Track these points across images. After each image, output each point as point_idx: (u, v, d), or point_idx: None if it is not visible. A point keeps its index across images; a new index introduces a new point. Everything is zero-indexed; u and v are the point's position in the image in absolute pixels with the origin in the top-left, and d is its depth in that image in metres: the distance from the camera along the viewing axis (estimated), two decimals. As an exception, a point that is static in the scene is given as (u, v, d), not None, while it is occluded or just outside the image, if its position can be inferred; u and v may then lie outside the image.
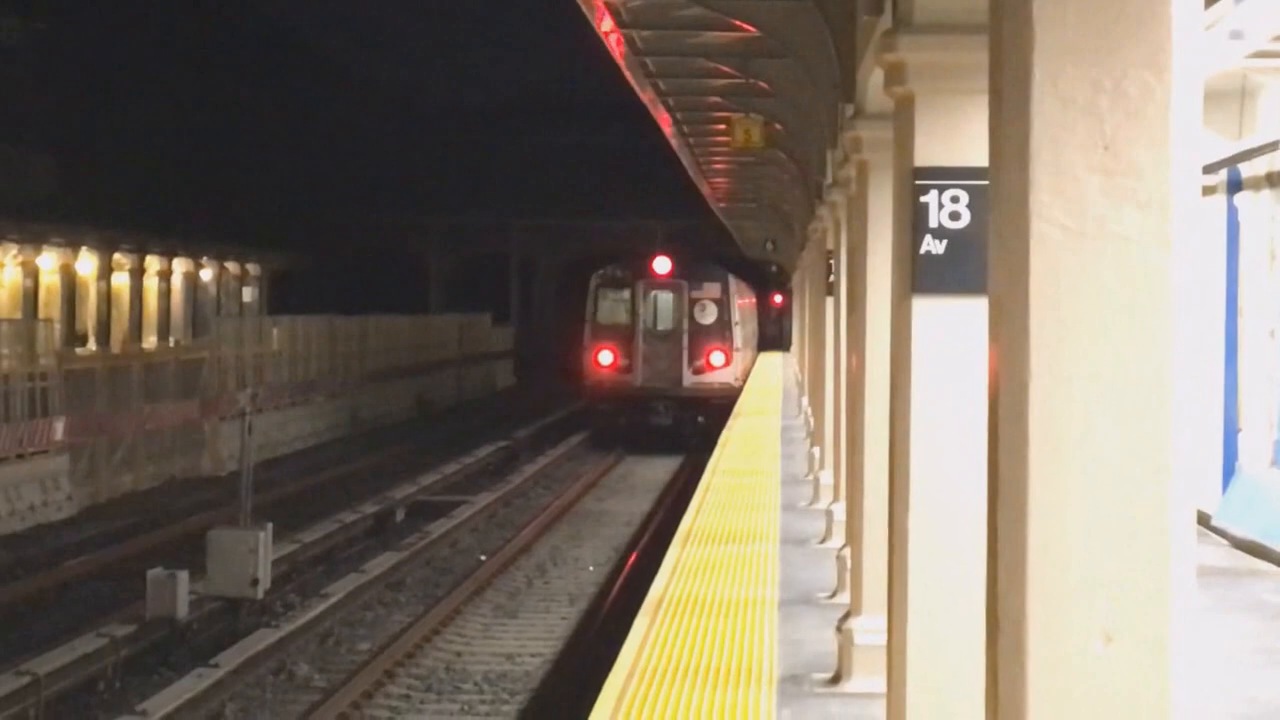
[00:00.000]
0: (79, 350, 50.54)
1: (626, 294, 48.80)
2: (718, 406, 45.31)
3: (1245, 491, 20.18)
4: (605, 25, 21.76)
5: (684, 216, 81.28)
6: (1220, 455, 20.80)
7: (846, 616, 12.92)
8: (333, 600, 23.42)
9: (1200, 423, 4.91)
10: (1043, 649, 4.91)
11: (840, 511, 18.32)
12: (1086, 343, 4.89)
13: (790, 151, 30.84)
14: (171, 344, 58.51)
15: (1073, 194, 4.89)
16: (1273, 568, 18.01)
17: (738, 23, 21.20)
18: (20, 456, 32.42)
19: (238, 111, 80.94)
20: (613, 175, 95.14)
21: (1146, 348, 4.89)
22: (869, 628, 12.28)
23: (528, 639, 22.81)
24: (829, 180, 21.17)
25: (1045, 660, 4.91)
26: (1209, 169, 20.03)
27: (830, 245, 23.00)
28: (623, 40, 23.11)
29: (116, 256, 62.99)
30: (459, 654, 21.83)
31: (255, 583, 22.10)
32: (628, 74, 25.73)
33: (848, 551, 15.08)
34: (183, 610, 21.17)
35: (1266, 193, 20.30)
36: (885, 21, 10.53)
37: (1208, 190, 20.46)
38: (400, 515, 33.55)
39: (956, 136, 9.33)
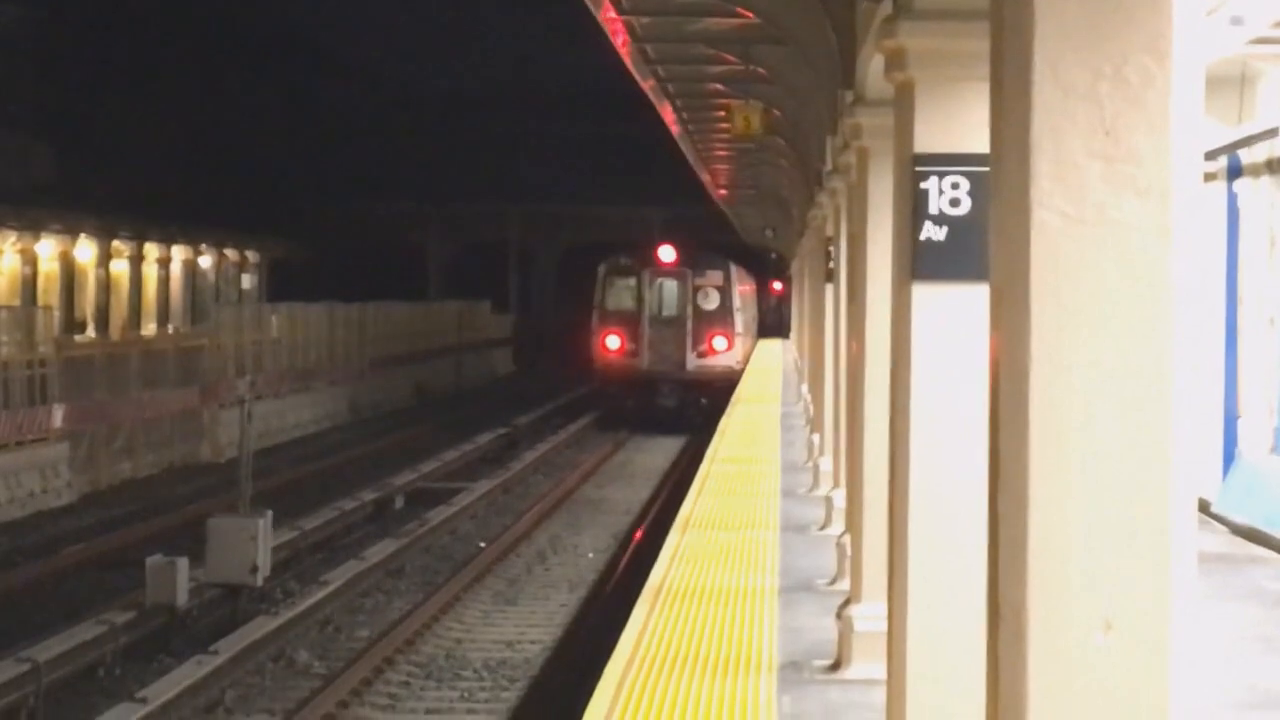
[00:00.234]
0: (78, 337, 50.55)
1: (633, 281, 50.91)
2: (720, 389, 46.97)
3: (1245, 478, 20.19)
4: (605, 12, 21.73)
5: (683, 204, 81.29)
6: (1220, 442, 20.81)
7: (846, 603, 12.92)
8: (332, 587, 23.42)
9: (1200, 410, 4.90)
10: (1043, 636, 4.91)
11: (840, 498, 18.33)
12: (1087, 330, 4.88)
13: (790, 139, 30.82)
14: (170, 331, 58.49)
15: (1073, 181, 4.88)
16: (1272, 554, 18.02)
17: (738, 9, 21.18)
18: (19, 444, 32.41)
19: (237, 99, 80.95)
20: (612, 162, 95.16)
21: (1147, 335, 4.88)
22: (869, 614, 12.28)
23: (527, 626, 22.82)
24: (829, 167, 21.16)
25: (1045, 647, 4.91)
26: (1209, 156, 20.03)
27: (830, 232, 22.99)
28: (623, 27, 23.08)
29: (115, 244, 62.98)
30: (459, 641, 21.84)
31: (255, 570, 22.10)
32: (627, 61, 25.69)
33: (847, 538, 15.08)
34: (182, 597, 21.17)
35: (1266, 179, 20.30)
36: (886, 8, 10.51)
37: (1208, 177, 20.46)
38: (400, 502, 33.55)
39: (957, 123, 9.33)
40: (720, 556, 18.21)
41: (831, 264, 22.18)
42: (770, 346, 67.87)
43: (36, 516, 31.44)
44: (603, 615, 22.58)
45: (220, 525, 22.38)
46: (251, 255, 78.23)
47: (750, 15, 21.23)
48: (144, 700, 17.22)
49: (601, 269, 52.18)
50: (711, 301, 51.22)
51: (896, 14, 9.62)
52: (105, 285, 62.31)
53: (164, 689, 17.69)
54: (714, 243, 63.92)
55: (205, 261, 72.48)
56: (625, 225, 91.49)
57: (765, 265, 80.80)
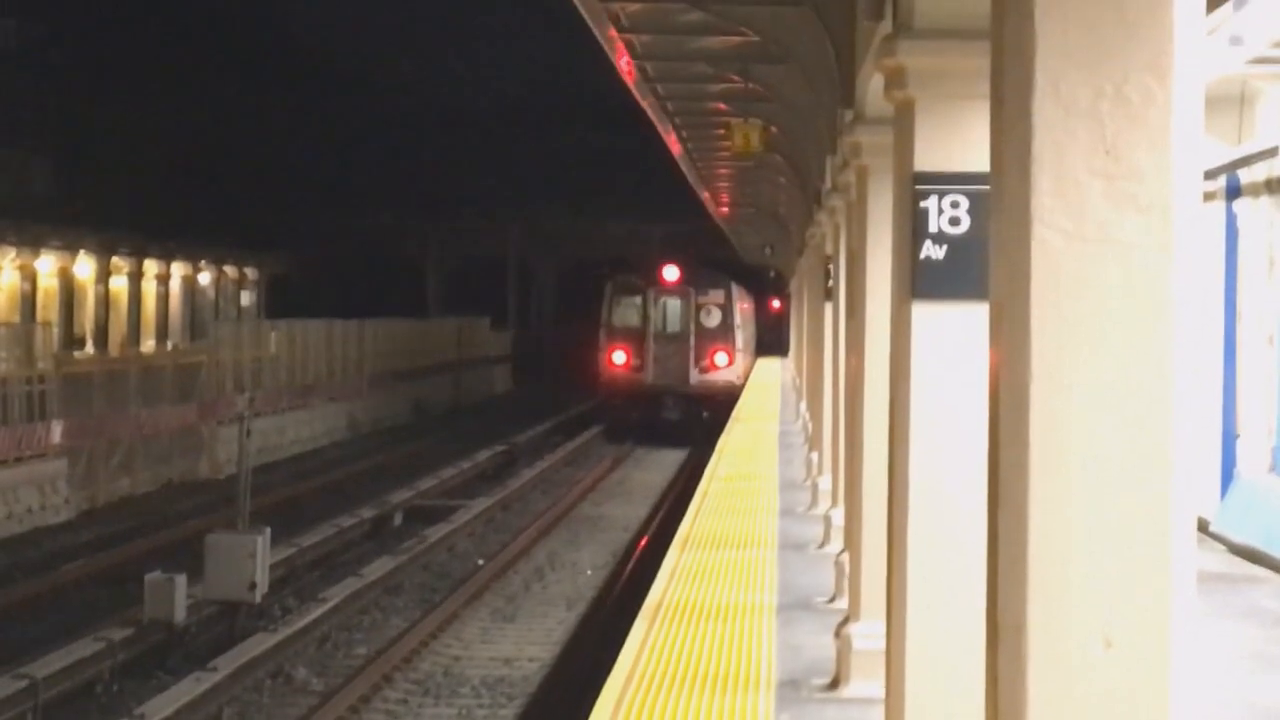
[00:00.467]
0: (77, 354, 50.56)
1: (638, 299, 53.43)
2: (721, 402, 48.80)
3: (1243, 497, 20.18)
4: (607, 32, 21.75)
5: (682, 220, 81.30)
6: (1219, 461, 20.80)
7: (845, 621, 12.91)
8: (330, 604, 23.40)
9: (1199, 429, 4.91)
10: (1043, 654, 4.91)
11: (839, 516, 18.32)
12: (1088, 348, 4.89)
13: (789, 157, 30.84)
14: (169, 348, 58.50)
15: (1074, 199, 4.89)
16: (1270, 574, 18.01)
17: (737, 28, 21.20)
18: (18, 460, 32.40)
19: (236, 115, 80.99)
20: (611, 179, 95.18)
21: (1148, 353, 4.89)
22: (867, 633, 12.27)
23: (525, 643, 22.80)
24: (828, 185, 21.17)
25: (1046, 665, 4.91)
26: (1208, 175, 20.04)
27: (829, 250, 23.00)
28: (625, 47, 23.10)
29: (115, 260, 63.03)
30: (457, 658, 21.82)
31: (253, 586, 22.08)
32: (630, 81, 25.71)
33: (846, 556, 15.07)
34: (180, 614, 21.15)
35: (1265, 199, 20.31)
36: (885, 26, 10.53)
37: (1207, 196, 20.47)
38: (398, 519, 33.54)
39: (957, 142, 9.33)
40: (719, 574, 18.20)
41: (831, 282, 22.17)
42: (769, 364, 67.83)
43: (35, 533, 31.42)
44: (601, 632, 22.56)
45: (219, 542, 22.36)
46: (250, 272, 78.28)
47: (750, 34, 21.24)
48: (141, 717, 17.22)
49: (608, 287, 54.35)
50: (713, 319, 53.41)
51: (896, 32, 9.63)
52: (104, 302, 62.36)
53: (162, 706, 17.67)
54: (715, 260, 65.35)
55: (204, 278, 72.52)
56: (625, 241, 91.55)
57: (764, 283, 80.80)
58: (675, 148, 36.77)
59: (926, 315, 9.52)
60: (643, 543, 31.09)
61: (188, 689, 18.36)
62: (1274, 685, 12.94)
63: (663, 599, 16.60)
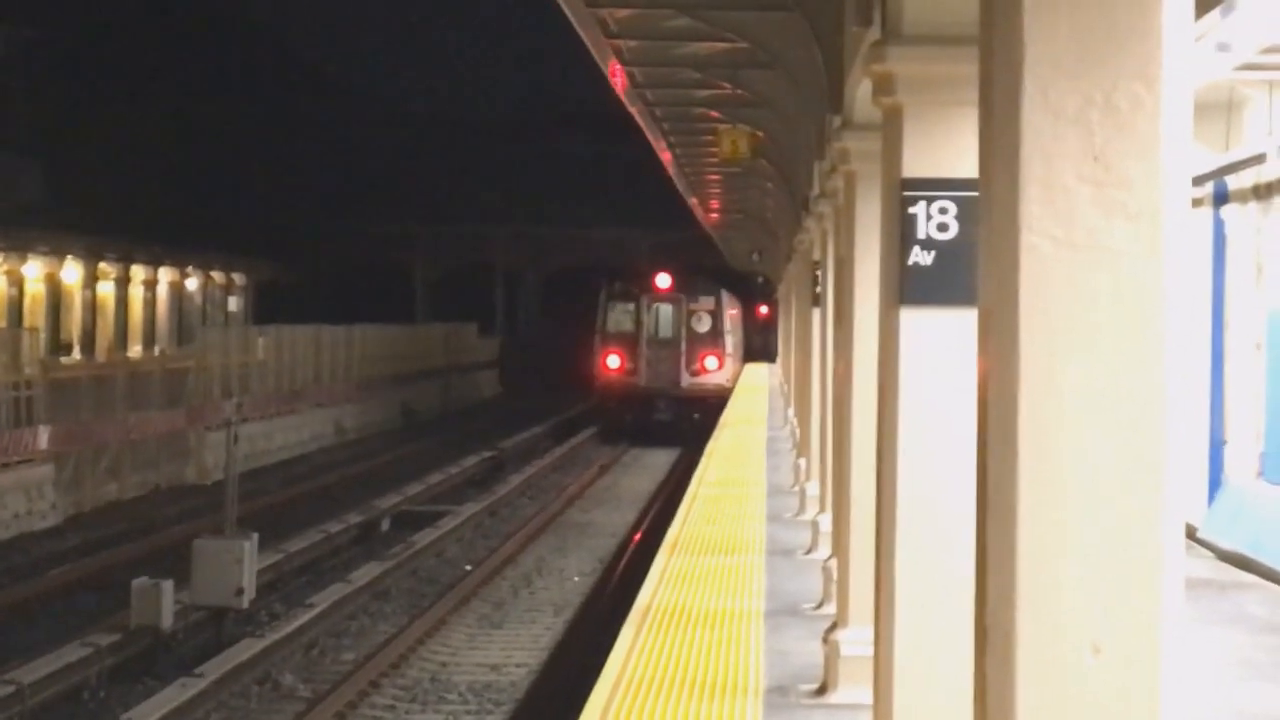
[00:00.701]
0: (64, 359, 50.49)
1: (632, 306, 55.77)
2: (712, 404, 51.27)
3: (1231, 504, 20.20)
4: (595, 38, 21.74)
5: (670, 227, 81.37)
6: (1206, 467, 20.82)
7: (833, 627, 12.91)
8: (318, 610, 23.37)
9: (1187, 435, 4.91)
10: (1032, 660, 4.91)
11: (826, 522, 18.31)
12: (1077, 354, 4.89)
13: (777, 163, 30.85)
14: (157, 353, 58.44)
15: (1063, 205, 4.89)
16: (1258, 580, 18.02)
17: (726, 33, 21.20)
18: (5, 465, 32.35)
19: (224, 121, 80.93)
20: (598, 185, 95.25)
21: (1137, 359, 4.89)
22: (855, 639, 12.27)
23: (513, 649, 22.79)
24: (816, 191, 21.17)
25: (1035, 672, 4.91)
26: (1196, 181, 20.05)
27: (817, 256, 23.00)
28: (611, 52, 23.10)
29: (102, 265, 62.95)
30: (444, 664, 21.81)
31: (240, 592, 22.05)
32: (619, 89, 25.71)
33: (834, 562, 15.07)
34: (167, 619, 21.12)
35: (1253, 205, 20.33)
36: (874, 33, 10.53)
37: (1194, 203, 20.49)
38: (385, 525, 33.51)
39: (945, 148, 9.33)
40: (706, 580, 18.19)
41: (819, 288, 22.18)
42: (757, 371, 67.85)
43: (21, 538, 31.37)
44: (588, 639, 22.55)
45: (206, 547, 22.33)
46: (238, 277, 78.20)
47: (738, 40, 21.25)
48: (129, 722, 17.18)
49: (603, 294, 56.56)
50: (704, 325, 55.87)
51: (885, 39, 9.63)
52: (92, 307, 62.26)
53: (148, 711, 17.64)
54: (704, 267, 67.78)
55: (192, 283, 72.44)
56: (612, 248, 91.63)
57: (752, 289, 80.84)
58: (664, 154, 36.78)
59: (914, 321, 9.52)
60: (637, 537, 31.10)
61: (174, 695, 18.33)
62: (1262, 692, 12.95)
63: (650, 605, 16.59)
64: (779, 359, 60.13)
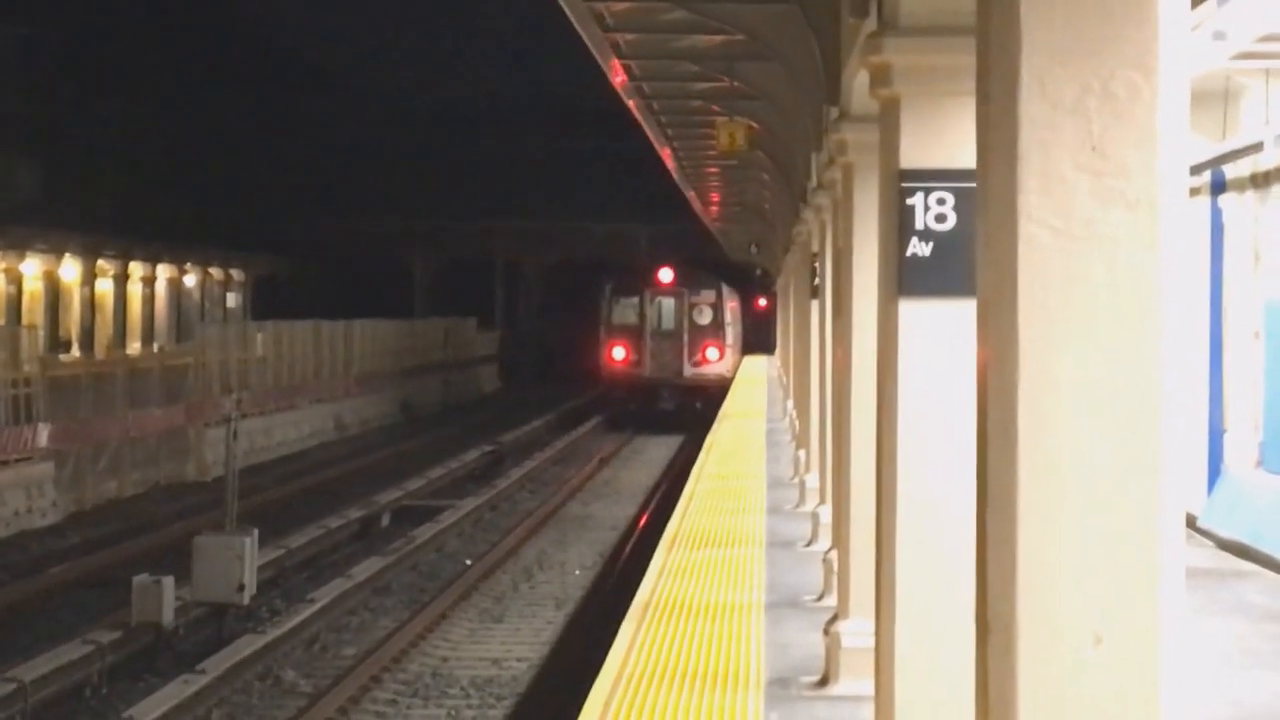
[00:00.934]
0: (63, 357, 50.46)
1: (636, 300, 58.52)
2: (713, 394, 53.03)
3: (1230, 493, 20.21)
4: (592, 31, 21.72)
5: (668, 220, 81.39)
6: (1205, 457, 20.82)
7: (833, 619, 12.91)
8: (319, 605, 23.37)
9: (1186, 424, 4.89)
10: (1033, 650, 4.91)
11: (826, 514, 18.32)
12: (1075, 344, 4.89)
13: (775, 155, 30.83)
14: (156, 350, 58.42)
15: (1060, 195, 4.88)
16: (1258, 569, 18.04)
17: (723, 26, 21.18)
18: (4, 463, 32.33)
19: (222, 117, 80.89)
20: (597, 179, 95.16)
21: (1135, 348, 4.88)
22: (856, 630, 12.27)
23: (514, 643, 22.79)
24: (814, 183, 21.17)
25: (1035, 662, 4.91)
26: (1193, 171, 20.05)
27: (815, 248, 23.00)
28: (609, 46, 23.08)
29: (100, 263, 62.93)
30: (445, 659, 21.81)
31: (241, 588, 22.05)
32: (614, 80, 25.69)
33: (834, 554, 15.07)
34: (168, 616, 21.12)
35: (1250, 194, 20.33)
36: (870, 24, 10.52)
37: (1192, 192, 20.48)
38: (386, 520, 33.51)
39: (942, 138, 9.33)
40: (707, 573, 18.20)
41: (817, 280, 22.17)
42: (755, 363, 67.91)
43: (21, 536, 31.36)
44: (589, 632, 22.56)
45: (206, 544, 22.33)
46: (236, 273, 78.19)
47: (735, 32, 21.23)
48: None
49: (608, 289, 59.59)
50: (705, 317, 58.53)
51: (881, 30, 9.63)
52: (90, 304, 62.25)
53: (150, 708, 17.65)
54: (703, 260, 68.88)
55: (190, 280, 72.42)
56: (611, 241, 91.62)
57: (751, 282, 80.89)
58: (664, 152, 36.77)
59: (913, 312, 9.52)
60: (644, 519, 31.14)
61: (176, 691, 18.34)
62: (1262, 680, 12.96)
63: (651, 598, 16.60)
64: (778, 351, 60.37)
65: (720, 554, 19.55)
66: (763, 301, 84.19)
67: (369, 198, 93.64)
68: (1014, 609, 4.92)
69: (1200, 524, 19.91)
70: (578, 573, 28.25)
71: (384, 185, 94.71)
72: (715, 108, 28.10)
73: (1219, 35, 16.42)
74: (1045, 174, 4.88)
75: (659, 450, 49.99)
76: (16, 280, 57.41)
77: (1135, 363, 4.89)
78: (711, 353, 58.22)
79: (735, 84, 24.81)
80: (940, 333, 9.42)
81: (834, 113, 14.90)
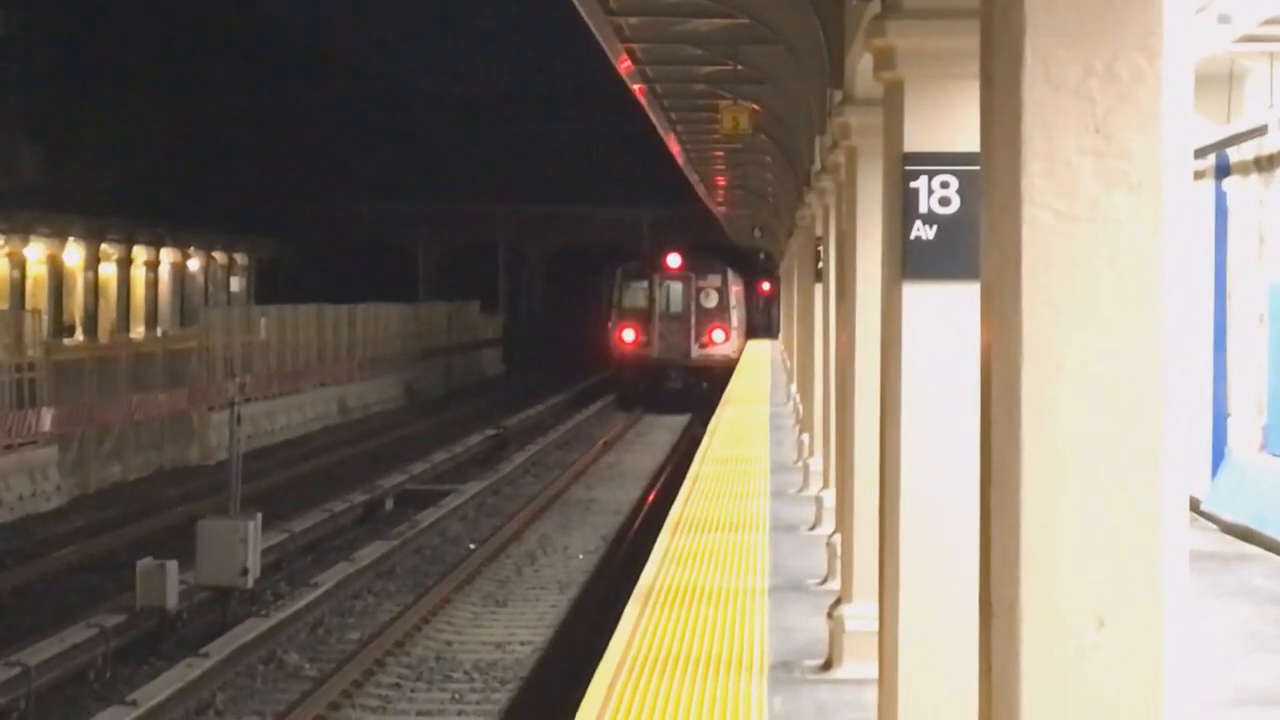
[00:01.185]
0: (66, 341, 50.49)
1: (645, 284, 60.85)
2: (719, 374, 54.94)
3: (1234, 476, 20.20)
4: (596, 15, 21.68)
5: (671, 204, 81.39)
6: (1209, 440, 20.82)
7: (837, 603, 12.92)
8: (322, 589, 23.40)
9: (1190, 408, 4.89)
10: (1036, 633, 4.90)
11: (830, 498, 18.33)
12: (1079, 327, 4.88)
13: (779, 138, 30.81)
14: (159, 334, 58.43)
15: (1064, 177, 4.87)
16: (1262, 552, 18.04)
17: (726, 9, 21.16)
18: (9, 447, 32.38)
19: (225, 101, 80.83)
20: (600, 162, 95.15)
21: (1139, 331, 4.87)
22: (860, 614, 12.28)
23: (517, 627, 22.81)
24: (818, 166, 21.15)
25: (1038, 644, 4.90)
26: (1197, 154, 20.02)
27: (819, 232, 22.98)
28: (613, 30, 23.05)
29: (104, 247, 62.90)
30: (449, 643, 21.83)
31: (245, 572, 22.06)
32: (618, 65, 25.67)
33: (838, 538, 15.08)
34: (172, 600, 21.14)
35: (1255, 177, 20.31)
36: (875, 7, 10.51)
37: (1196, 175, 20.46)
38: (389, 504, 33.53)
39: (946, 122, 9.32)
40: (710, 557, 18.21)
41: (821, 264, 22.17)
42: (759, 347, 68.03)
43: (26, 520, 31.40)
44: (593, 617, 22.58)
45: (210, 528, 22.34)
46: (240, 257, 78.15)
47: (739, 15, 21.21)
48: (135, 703, 17.20)
49: (618, 273, 62.20)
50: (711, 300, 60.81)
51: (885, 13, 9.62)
52: (94, 288, 62.22)
53: (155, 692, 17.67)
54: (709, 245, 71.11)
55: (194, 264, 72.41)
56: (614, 225, 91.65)
57: (754, 266, 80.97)
58: (666, 134, 36.75)
59: (917, 296, 9.52)
60: (651, 496, 31.16)
61: (180, 675, 18.36)
62: (1266, 663, 12.96)
63: (655, 582, 16.61)
64: (781, 335, 60.62)
65: (724, 538, 19.56)
66: (766, 286, 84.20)
67: (372, 182, 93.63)
68: (1017, 592, 4.92)
69: (1204, 508, 19.91)
70: (581, 557, 28.27)
71: (387, 170, 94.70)
72: (719, 91, 28.08)
73: (1224, 18, 16.42)
74: (1049, 157, 4.87)
75: (663, 434, 50.04)
76: (20, 264, 57.39)
77: (1139, 346, 4.88)
78: (718, 335, 60.39)
79: (739, 67, 24.80)
80: (944, 316, 9.41)
81: (838, 96, 14.88)
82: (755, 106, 27.55)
